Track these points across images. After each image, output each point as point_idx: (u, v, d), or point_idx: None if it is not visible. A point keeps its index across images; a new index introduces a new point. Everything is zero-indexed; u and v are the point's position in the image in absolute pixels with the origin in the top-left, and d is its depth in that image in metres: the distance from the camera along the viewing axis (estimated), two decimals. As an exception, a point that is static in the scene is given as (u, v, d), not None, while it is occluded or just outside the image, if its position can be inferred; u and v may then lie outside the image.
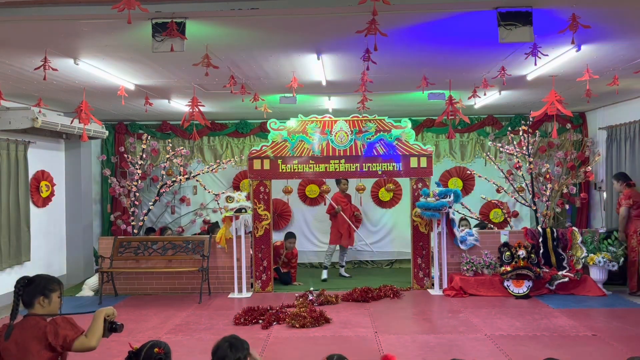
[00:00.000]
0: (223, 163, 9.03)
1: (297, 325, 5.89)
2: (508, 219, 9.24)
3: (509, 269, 7.19)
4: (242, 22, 4.20)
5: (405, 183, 8.94)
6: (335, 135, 7.83)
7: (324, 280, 8.51)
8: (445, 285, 7.53)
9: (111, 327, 2.88)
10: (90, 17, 3.97)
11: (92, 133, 8.26)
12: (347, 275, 8.86)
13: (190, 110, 5.67)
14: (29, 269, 7.51)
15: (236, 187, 9.90)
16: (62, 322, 2.78)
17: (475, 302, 6.96)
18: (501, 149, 8.85)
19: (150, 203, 8.65)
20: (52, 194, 8.41)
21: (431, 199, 7.39)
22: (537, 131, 9.09)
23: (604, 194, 8.85)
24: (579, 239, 7.44)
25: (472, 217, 9.08)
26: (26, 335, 2.75)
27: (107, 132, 8.88)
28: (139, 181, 8.71)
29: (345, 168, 7.84)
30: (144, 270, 7.70)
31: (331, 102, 8.21)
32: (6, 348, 2.75)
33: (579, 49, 5.05)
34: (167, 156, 8.83)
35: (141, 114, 8.88)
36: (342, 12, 3.93)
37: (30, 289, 2.85)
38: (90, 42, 4.71)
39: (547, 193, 8.48)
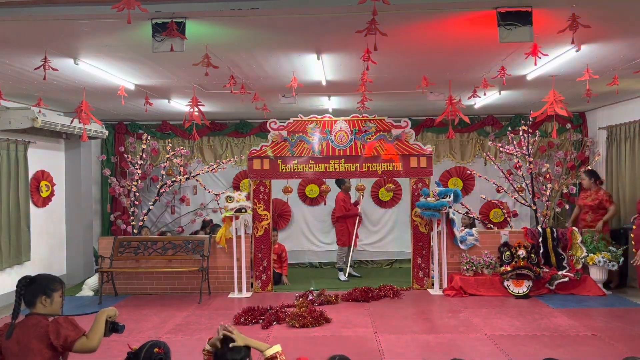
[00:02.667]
0: (223, 163, 9.04)
1: (297, 325, 5.90)
2: (508, 219, 9.24)
3: (509, 268, 7.20)
4: (242, 22, 4.20)
5: (405, 183, 8.94)
6: (335, 135, 7.83)
7: (346, 280, 8.46)
8: (445, 285, 7.54)
9: (113, 328, 2.90)
10: (90, 17, 3.97)
11: (92, 133, 8.27)
12: (357, 274, 8.85)
13: (190, 110, 5.67)
14: (29, 269, 7.51)
15: (236, 187, 9.90)
16: (64, 322, 2.79)
17: (475, 302, 6.96)
18: (501, 149, 8.85)
19: (150, 203, 8.65)
20: (52, 194, 8.41)
21: (431, 199, 7.39)
22: (537, 131, 9.09)
23: (604, 194, 8.84)
24: (579, 238, 7.44)
25: (471, 217, 9.08)
26: (28, 334, 2.76)
27: (107, 132, 8.88)
28: (139, 181, 8.71)
29: (345, 168, 7.84)
30: (144, 270, 7.70)
31: (331, 102, 8.22)
32: (8, 347, 2.76)
33: (579, 49, 5.05)
34: (167, 156, 8.83)
35: (141, 114, 8.87)
36: (342, 12, 3.93)
37: (32, 288, 2.86)
38: (90, 42, 4.71)
39: (547, 193, 8.48)
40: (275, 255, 8.42)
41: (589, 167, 8.46)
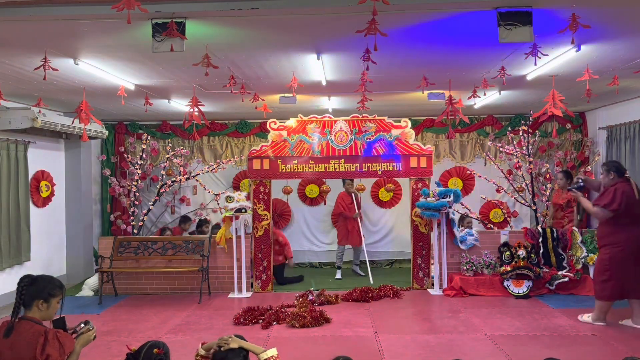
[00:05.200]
0: (223, 163, 9.04)
1: (297, 325, 5.89)
2: (508, 219, 9.24)
3: (509, 268, 7.20)
4: (242, 22, 4.20)
5: (405, 183, 8.94)
6: (335, 135, 7.83)
7: (339, 279, 8.56)
8: (445, 285, 7.53)
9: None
10: (90, 17, 3.97)
11: (92, 133, 8.27)
12: (361, 273, 8.83)
13: (190, 110, 5.67)
14: (29, 269, 7.50)
15: (236, 187, 9.91)
16: (52, 339, 2.77)
17: (475, 302, 6.96)
18: (501, 149, 8.86)
19: (150, 203, 8.66)
20: (52, 194, 8.41)
21: (431, 199, 7.39)
22: (537, 131, 9.10)
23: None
24: (579, 238, 7.45)
25: (472, 217, 9.07)
26: (20, 340, 2.74)
27: (107, 132, 8.88)
28: (139, 181, 8.71)
29: (345, 168, 7.84)
30: (144, 270, 7.70)
31: (331, 102, 8.22)
32: (2, 349, 2.75)
33: (579, 49, 5.05)
34: (167, 156, 8.83)
35: (141, 114, 8.88)
36: (342, 12, 3.93)
37: (32, 290, 2.85)
38: (90, 42, 4.71)
39: (547, 193, 8.48)
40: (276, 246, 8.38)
41: (565, 168, 8.68)
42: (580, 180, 6.33)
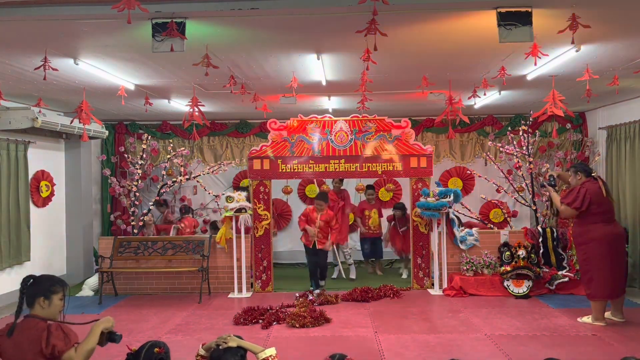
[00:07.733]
0: (223, 165, 9.05)
1: (297, 325, 5.90)
2: (508, 219, 9.24)
3: (509, 268, 7.20)
4: (242, 22, 4.20)
5: (405, 183, 8.94)
6: (335, 135, 7.83)
7: (332, 278, 8.70)
8: (445, 285, 7.54)
9: (109, 338, 2.89)
10: (90, 17, 3.97)
11: (92, 133, 8.27)
12: (351, 277, 8.76)
13: (190, 110, 5.67)
14: (29, 269, 7.50)
15: (236, 187, 9.90)
16: (55, 330, 2.76)
17: (475, 302, 6.96)
18: (501, 149, 8.86)
19: (150, 203, 8.65)
20: (52, 194, 8.41)
21: (431, 199, 7.39)
22: (537, 131, 9.09)
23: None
24: (579, 238, 7.44)
25: (471, 217, 9.06)
26: (23, 337, 2.75)
27: (107, 132, 8.88)
28: (139, 181, 8.71)
29: (345, 168, 7.84)
30: (144, 270, 7.70)
31: (331, 102, 8.21)
32: (6, 348, 2.75)
33: (579, 49, 5.05)
34: (168, 156, 8.82)
35: (141, 114, 8.87)
36: (342, 12, 3.93)
37: (33, 289, 2.86)
38: (90, 42, 4.71)
39: (547, 193, 8.46)
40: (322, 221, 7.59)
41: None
42: (552, 176, 6.52)
